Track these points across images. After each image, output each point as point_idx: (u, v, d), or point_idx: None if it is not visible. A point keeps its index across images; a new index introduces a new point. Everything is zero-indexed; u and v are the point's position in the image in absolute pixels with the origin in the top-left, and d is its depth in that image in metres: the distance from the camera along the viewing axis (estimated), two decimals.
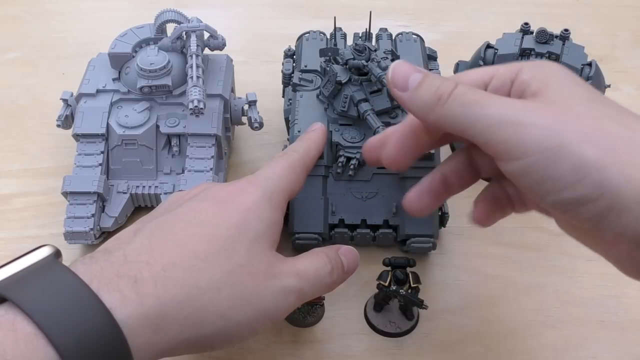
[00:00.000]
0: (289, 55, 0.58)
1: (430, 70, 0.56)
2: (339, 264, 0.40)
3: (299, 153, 0.44)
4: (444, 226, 0.51)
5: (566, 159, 0.30)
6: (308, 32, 0.59)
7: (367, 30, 0.53)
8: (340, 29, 0.58)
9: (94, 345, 0.30)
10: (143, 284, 0.32)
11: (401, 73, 0.36)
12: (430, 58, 0.58)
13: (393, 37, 0.59)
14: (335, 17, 0.54)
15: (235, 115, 0.55)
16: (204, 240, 0.35)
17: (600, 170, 0.30)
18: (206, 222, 0.36)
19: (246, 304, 0.35)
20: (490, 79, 0.36)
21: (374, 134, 0.48)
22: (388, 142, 0.40)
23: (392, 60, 0.50)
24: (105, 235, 0.52)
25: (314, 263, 0.39)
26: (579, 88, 0.34)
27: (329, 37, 0.58)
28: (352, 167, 0.49)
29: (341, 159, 0.49)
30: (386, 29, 0.59)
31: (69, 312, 0.30)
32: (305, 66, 0.55)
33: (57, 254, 0.34)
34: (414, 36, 0.59)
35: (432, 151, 0.49)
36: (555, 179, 0.31)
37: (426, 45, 0.59)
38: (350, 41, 0.57)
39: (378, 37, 0.58)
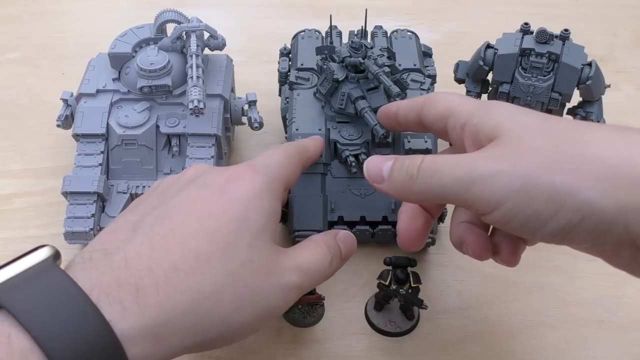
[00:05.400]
0: (285, 53, 0.58)
1: (425, 67, 0.56)
2: (338, 251, 0.40)
3: (295, 146, 0.44)
4: (442, 221, 0.51)
5: (538, 195, 0.31)
6: (303, 31, 0.59)
7: (363, 27, 0.53)
8: (335, 27, 0.58)
9: None
10: (145, 292, 0.31)
11: (373, 167, 0.38)
12: (425, 55, 0.58)
13: (388, 35, 0.59)
14: (330, 15, 0.54)
15: (235, 115, 0.55)
16: (206, 237, 0.34)
17: (573, 195, 0.31)
18: (206, 216, 0.35)
19: (249, 305, 0.35)
20: (449, 116, 0.38)
21: (372, 131, 0.48)
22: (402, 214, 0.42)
23: (389, 57, 0.50)
24: None
25: (314, 255, 0.38)
26: (530, 119, 0.35)
27: (324, 35, 0.58)
28: (352, 163, 0.49)
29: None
30: (381, 27, 0.59)
31: (67, 326, 0.29)
32: (302, 64, 0.55)
33: (56, 255, 0.33)
34: (408, 33, 0.59)
35: (430, 147, 0.49)
36: (536, 216, 0.32)
37: (426, 45, 0.59)
38: (345, 39, 0.57)
39: (373, 34, 0.58)
